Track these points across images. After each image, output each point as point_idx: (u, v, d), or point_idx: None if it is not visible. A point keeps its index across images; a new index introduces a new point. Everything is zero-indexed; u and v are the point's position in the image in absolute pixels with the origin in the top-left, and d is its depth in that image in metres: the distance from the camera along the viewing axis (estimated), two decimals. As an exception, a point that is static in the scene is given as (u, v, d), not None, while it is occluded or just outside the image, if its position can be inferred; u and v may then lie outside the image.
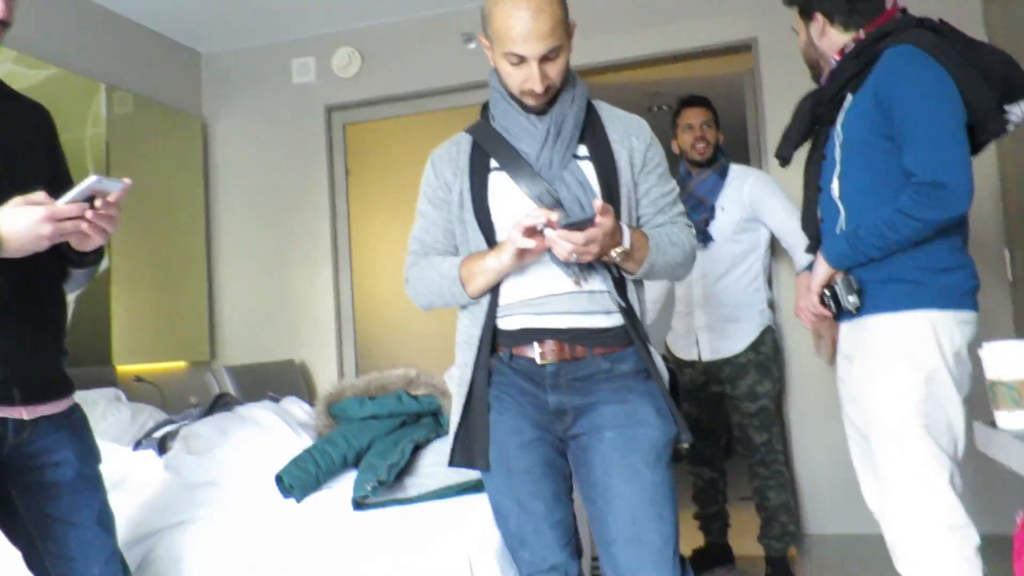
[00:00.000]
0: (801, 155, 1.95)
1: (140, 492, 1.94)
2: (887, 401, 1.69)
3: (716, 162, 3.00)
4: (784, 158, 1.95)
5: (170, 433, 2.14)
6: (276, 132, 4.18)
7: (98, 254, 1.57)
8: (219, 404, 2.35)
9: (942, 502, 1.65)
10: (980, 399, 1.68)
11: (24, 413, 1.44)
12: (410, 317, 4.81)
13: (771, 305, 2.98)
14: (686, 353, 3.06)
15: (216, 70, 4.27)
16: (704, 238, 2.92)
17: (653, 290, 3.07)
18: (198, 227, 4.13)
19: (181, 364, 3.94)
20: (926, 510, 1.66)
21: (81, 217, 1.37)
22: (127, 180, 1.43)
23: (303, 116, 4.15)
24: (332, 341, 4.03)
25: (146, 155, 3.83)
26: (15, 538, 1.52)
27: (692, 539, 3.28)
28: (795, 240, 2.90)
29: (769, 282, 3.01)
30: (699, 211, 2.92)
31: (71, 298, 1.67)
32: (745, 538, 3.32)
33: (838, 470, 3.18)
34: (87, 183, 1.36)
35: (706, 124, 3.01)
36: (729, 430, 3.25)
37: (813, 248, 1.91)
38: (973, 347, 1.68)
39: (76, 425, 1.56)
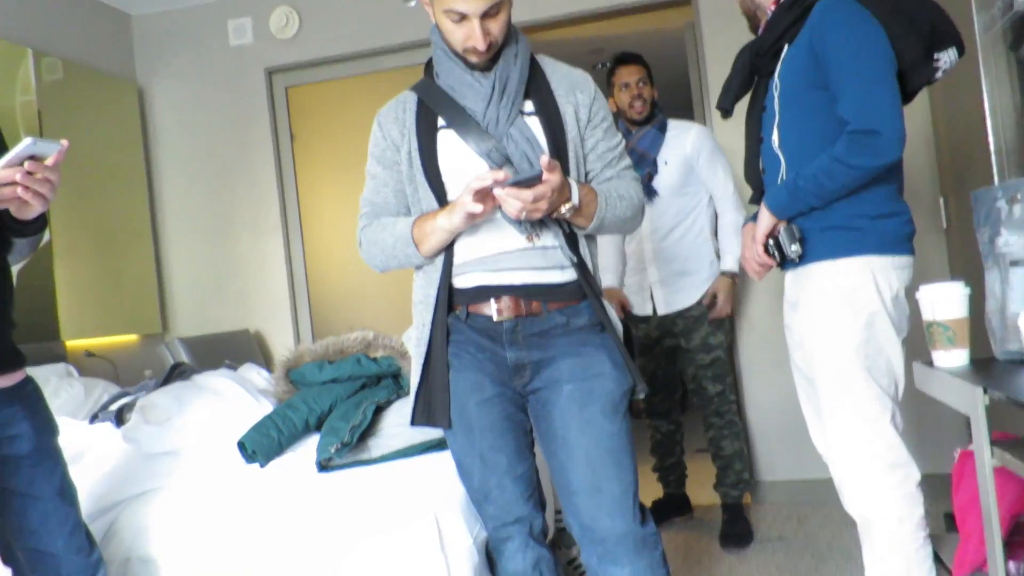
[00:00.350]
0: (742, 107, 1.98)
1: (100, 465, 1.93)
2: (829, 345, 1.75)
3: (654, 118, 3.04)
4: (725, 110, 1.98)
5: (127, 405, 2.12)
6: (216, 96, 4.07)
7: (40, 222, 1.53)
8: (175, 374, 2.33)
9: (884, 441, 1.74)
10: (918, 341, 1.76)
11: (-25, 387, 1.42)
12: (364, 281, 4.79)
13: (719, 256, 3.05)
14: (640, 309, 3.12)
15: (148, 33, 4.13)
16: (649, 193, 2.96)
17: (609, 255, 3.11)
18: (140, 196, 4.03)
19: (133, 338, 3.88)
20: (869, 449, 1.74)
21: (18, 183, 1.34)
22: (64, 141, 1.39)
23: (243, 79, 4.05)
24: (286, 309, 4.00)
25: (80, 123, 3.70)
26: (-24, 515, 1.51)
27: (651, 491, 3.39)
28: (725, 203, 2.98)
29: (715, 233, 3.08)
30: (642, 166, 2.96)
31: (15, 271, 1.63)
32: (702, 488, 3.44)
33: (787, 418, 3.30)
34: (22, 147, 1.33)
35: (641, 82, 3.04)
36: (684, 384, 3.35)
37: (757, 199, 1.96)
38: (910, 291, 1.76)
39: (30, 398, 1.54)
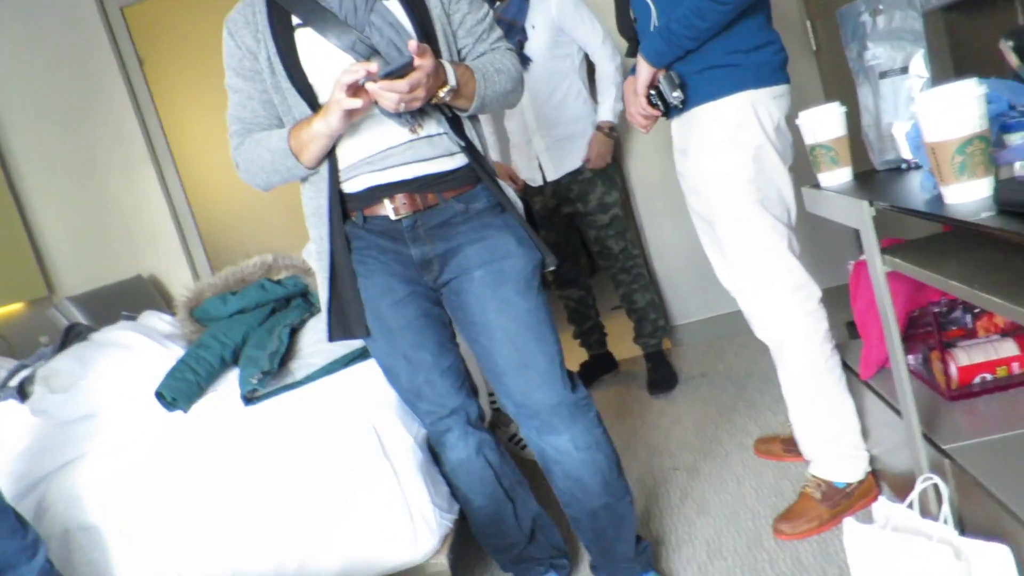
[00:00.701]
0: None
1: (13, 444, 1.84)
2: (722, 185, 1.79)
3: None
4: None
5: (27, 378, 2.00)
6: (47, 29, 3.69)
7: None
8: (72, 336, 2.21)
9: (783, 266, 1.82)
10: (803, 166, 1.82)
11: None
12: (253, 203, 4.62)
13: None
14: (532, 180, 3.11)
15: (-48, -27, 3.67)
16: (524, 61, 2.90)
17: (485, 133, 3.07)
18: (-14, 152, 3.70)
19: (17, 306, 3.64)
20: (771, 276, 1.82)
21: None
22: None
23: (71, 7, 3.68)
24: (177, 245, 3.82)
25: None
26: None
27: (577, 356, 3.50)
28: (600, 55, 2.95)
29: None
30: (512, 34, 2.88)
31: None
32: (623, 342, 3.58)
33: (692, 261, 3.42)
34: None
35: None
36: (586, 247, 3.40)
37: (633, 51, 1.93)
38: (790, 119, 1.80)
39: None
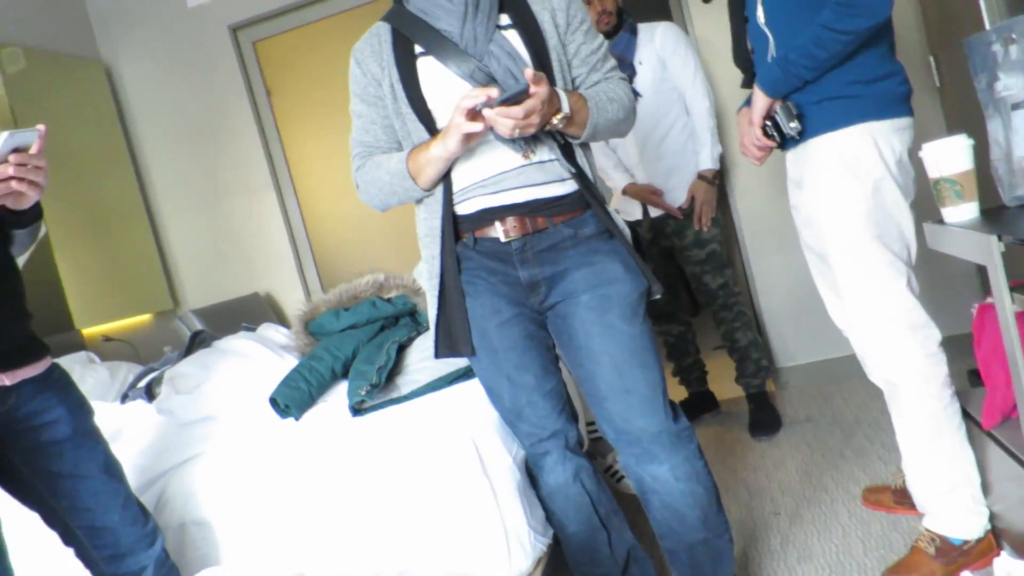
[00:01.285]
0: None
1: (139, 440, 1.97)
2: (838, 218, 1.75)
3: (623, 24, 2.99)
4: None
5: (155, 379, 2.14)
6: (183, 62, 3.98)
7: (35, 211, 1.54)
8: (196, 343, 2.35)
9: (902, 304, 1.75)
10: (925, 203, 1.76)
11: (5, 379, 1.45)
12: (364, 226, 4.80)
13: None
14: (630, 215, 3.11)
15: (104, 8, 4.01)
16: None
17: (607, 161, 3.10)
18: (127, 174, 3.99)
19: (146, 317, 3.89)
20: (888, 314, 1.75)
21: (9, 177, 1.34)
22: (40, 127, 1.40)
23: (207, 41, 3.95)
24: (292, 266, 4.00)
25: (53, 109, 3.63)
26: (30, 503, 1.55)
27: (676, 393, 3.42)
28: (692, 92, 2.94)
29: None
30: (621, 70, 2.92)
31: (21, 264, 1.64)
32: (724, 383, 3.49)
33: (800, 302, 3.32)
34: (2, 142, 1.33)
35: None
36: (686, 283, 3.36)
37: (748, 82, 1.92)
38: (913, 152, 1.74)
39: (60, 383, 1.57)
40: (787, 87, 1.72)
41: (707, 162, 2.95)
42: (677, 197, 3.01)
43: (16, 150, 1.35)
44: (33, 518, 1.59)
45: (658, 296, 1.72)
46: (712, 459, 2.85)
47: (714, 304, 3.08)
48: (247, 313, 3.57)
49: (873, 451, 2.60)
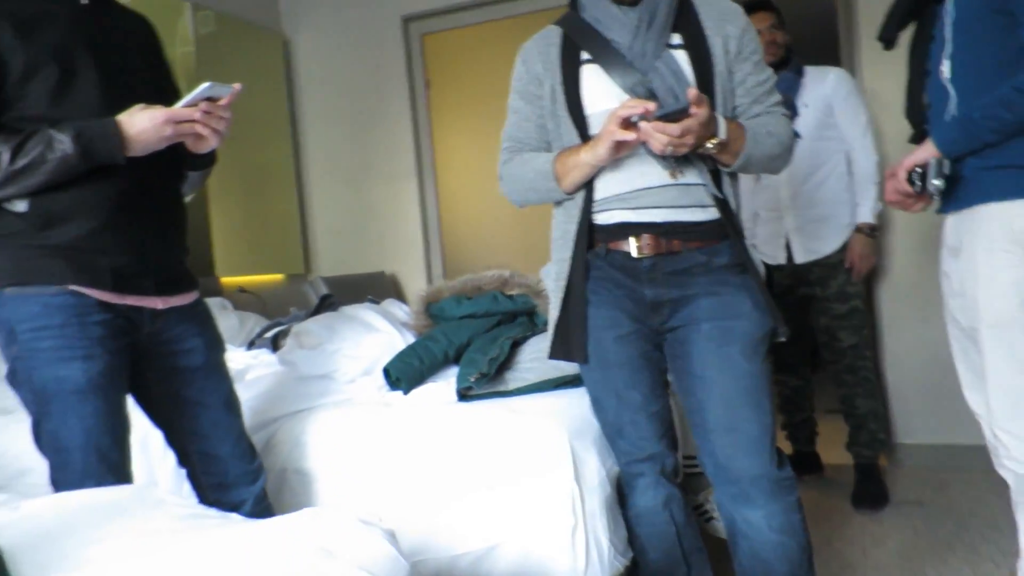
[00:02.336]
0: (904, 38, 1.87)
1: (259, 384, 2.09)
2: (994, 293, 1.64)
3: (788, 63, 2.92)
4: (888, 40, 1.86)
5: (281, 332, 2.27)
6: (355, 45, 4.19)
7: (211, 157, 1.67)
8: (324, 305, 2.47)
9: (1051, 395, 1.62)
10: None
11: (158, 303, 1.56)
12: (494, 225, 4.89)
13: None
14: (772, 258, 3.02)
15: (293, -15, 4.29)
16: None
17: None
18: (286, 143, 4.23)
19: (279, 277, 4.11)
20: (1031, 403, 1.63)
21: (197, 120, 1.46)
22: (237, 85, 1.52)
23: (380, 28, 4.15)
24: (420, 252, 4.13)
25: (232, 73, 3.90)
26: (157, 421, 1.67)
27: (780, 447, 3.31)
28: (858, 145, 2.84)
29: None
30: None
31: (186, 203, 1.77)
32: (833, 447, 3.33)
33: (932, 377, 3.14)
34: (201, 89, 1.45)
35: (773, 27, 2.92)
36: (814, 338, 3.22)
37: (917, 138, 1.85)
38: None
39: (202, 316, 1.68)
40: (965, 147, 1.63)
41: (868, 215, 2.86)
42: (823, 246, 2.92)
43: (209, 99, 1.47)
44: (158, 436, 1.72)
45: (783, 339, 1.67)
46: (808, 522, 2.73)
47: (839, 364, 2.95)
48: (372, 289, 3.71)
49: (985, 550, 2.43)
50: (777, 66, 2.90)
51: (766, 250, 3.05)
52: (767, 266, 3.05)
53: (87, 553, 1.01)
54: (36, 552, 0.99)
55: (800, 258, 2.96)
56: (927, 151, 1.67)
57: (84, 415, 1.44)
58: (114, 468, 1.48)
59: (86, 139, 1.39)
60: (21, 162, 1.36)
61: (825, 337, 2.97)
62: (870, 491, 2.92)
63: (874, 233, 2.88)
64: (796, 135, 2.86)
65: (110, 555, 0.99)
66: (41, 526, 1.06)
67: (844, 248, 2.90)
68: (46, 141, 1.37)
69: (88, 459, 1.44)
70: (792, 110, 2.88)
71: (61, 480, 1.45)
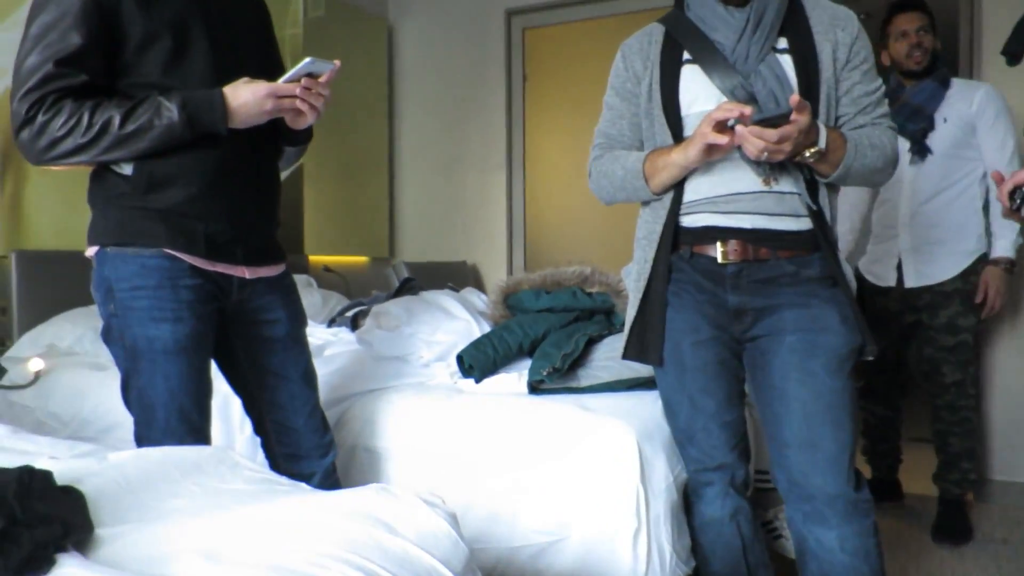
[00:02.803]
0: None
1: (336, 361, 2.13)
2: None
3: (934, 71, 2.71)
4: (1013, 55, 1.76)
5: (361, 312, 2.32)
6: (457, 36, 4.24)
7: (308, 133, 1.71)
8: (405, 287, 2.51)
9: None
10: None
11: (246, 272, 1.61)
12: (579, 221, 4.86)
13: (987, 232, 2.70)
14: (882, 279, 2.84)
15: (401, -27, 4.36)
16: (920, 150, 2.67)
17: (846, 219, 2.89)
18: (382, 129, 4.32)
19: (363, 259, 4.20)
20: None
21: (297, 95, 1.50)
22: (337, 62, 1.54)
23: (483, 20, 4.18)
24: (503, 244, 4.15)
25: (336, 56, 3.94)
26: (238, 389, 1.73)
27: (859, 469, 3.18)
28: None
29: (986, 208, 2.72)
30: (915, 121, 2.66)
31: (282, 177, 1.82)
32: (918, 477, 3.17)
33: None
34: (303, 64, 1.49)
35: (922, 30, 2.69)
36: (908, 368, 3.06)
37: None
38: None
39: (288, 289, 1.73)
40: None
41: (1009, 249, 2.64)
42: (937, 271, 2.72)
43: (310, 75, 1.51)
44: (237, 403, 1.78)
45: (871, 357, 1.61)
46: (885, 550, 2.62)
47: (939, 399, 2.75)
48: (452, 277, 3.75)
49: (1076, 600, 2.28)
50: (921, 74, 2.71)
51: (875, 270, 2.88)
52: (870, 290, 2.90)
53: (164, 506, 1.05)
54: (117, 501, 1.04)
55: (911, 282, 2.76)
56: None
57: (169, 375, 1.50)
58: (194, 429, 1.54)
59: (192, 108, 1.44)
60: (130, 127, 1.42)
61: (927, 367, 2.77)
62: (954, 525, 2.78)
63: (1013, 268, 2.66)
64: (927, 151, 2.69)
65: (185, 509, 1.03)
66: (123, 477, 1.10)
67: (960, 277, 2.70)
68: (155, 108, 1.43)
69: (170, 418, 1.50)
70: (928, 123, 2.68)
71: (144, 436, 1.52)
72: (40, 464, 1.03)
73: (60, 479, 0.99)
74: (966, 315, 2.69)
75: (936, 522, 2.82)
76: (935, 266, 2.72)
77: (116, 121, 1.42)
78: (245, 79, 1.50)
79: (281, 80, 1.51)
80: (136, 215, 1.49)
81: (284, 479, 1.25)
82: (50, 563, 0.82)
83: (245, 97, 1.47)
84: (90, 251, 1.55)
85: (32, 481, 0.93)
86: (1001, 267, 2.65)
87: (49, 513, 0.88)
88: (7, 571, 0.78)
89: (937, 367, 2.73)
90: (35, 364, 2.28)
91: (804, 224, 1.60)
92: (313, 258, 3.82)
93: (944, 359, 2.71)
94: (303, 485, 1.24)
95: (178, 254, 1.50)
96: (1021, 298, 3.07)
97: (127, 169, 1.49)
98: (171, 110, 1.43)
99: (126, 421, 1.66)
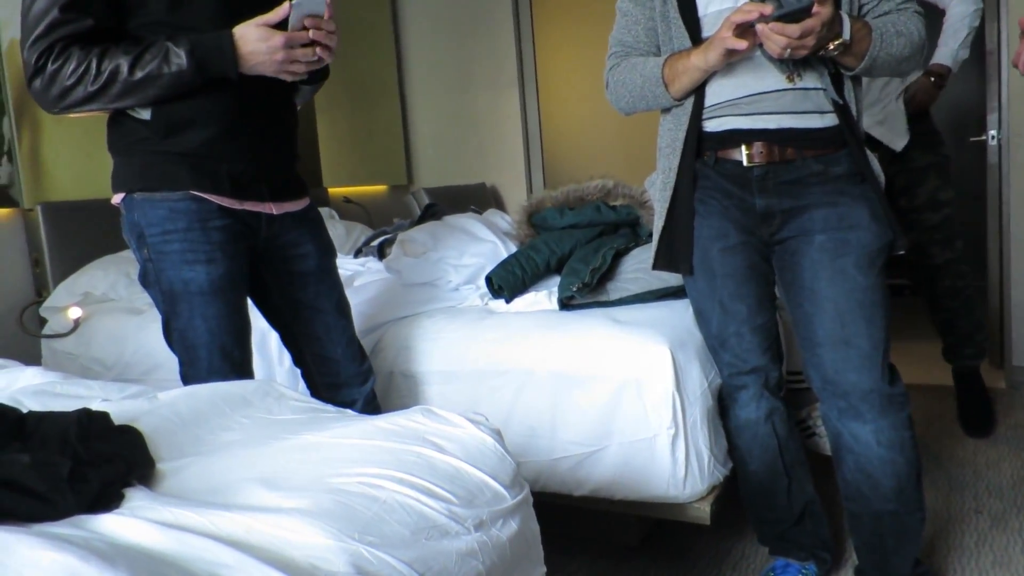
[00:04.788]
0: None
1: (366, 291, 2.16)
2: None
3: None
4: None
5: (387, 240, 2.32)
6: (458, -50, 4.11)
7: (324, 71, 1.69)
8: (428, 214, 2.51)
9: None
10: None
11: (272, 208, 1.62)
12: (596, 134, 4.80)
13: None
14: None
15: None
16: None
17: None
18: (388, 54, 4.23)
19: (382, 188, 4.19)
20: None
21: (316, 40, 1.47)
22: None
23: (486, -69, 4.04)
24: (520, 163, 4.11)
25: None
26: (274, 323, 1.76)
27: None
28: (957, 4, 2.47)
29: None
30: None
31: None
32: (933, 367, 3.11)
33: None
34: (294, 13, 1.43)
35: None
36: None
37: None
38: None
39: (314, 222, 1.73)
40: None
41: (945, 57, 2.48)
42: (900, 132, 2.52)
43: (308, 15, 1.46)
44: (275, 337, 1.81)
45: (902, 252, 1.60)
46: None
47: (935, 287, 2.60)
48: (473, 200, 3.74)
49: (1112, 478, 2.31)
50: None
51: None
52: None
53: (218, 439, 1.09)
54: (172, 436, 1.08)
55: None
56: None
57: (208, 316, 1.52)
58: (237, 365, 1.58)
59: (201, 54, 1.42)
60: (139, 74, 1.41)
61: (913, 256, 2.60)
62: (974, 411, 2.74)
63: (943, 82, 2.48)
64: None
65: (239, 441, 1.07)
66: (175, 415, 1.14)
67: (928, 150, 2.54)
68: (163, 54, 1.41)
69: (213, 356, 1.54)
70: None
71: (190, 375, 1.56)
72: (94, 407, 1.07)
73: (116, 419, 1.02)
74: (944, 188, 2.55)
75: (959, 410, 2.80)
76: (887, 132, 2.50)
77: (124, 68, 1.40)
78: (256, 21, 1.45)
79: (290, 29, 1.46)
80: (159, 159, 1.50)
81: (329, 407, 1.29)
82: (120, 498, 0.85)
83: (255, 45, 1.43)
84: (116, 198, 1.56)
85: (91, 423, 0.97)
86: (931, 80, 2.50)
87: (111, 452, 0.91)
88: (81, 508, 0.82)
89: (925, 250, 2.59)
90: (74, 312, 2.33)
91: (830, 120, 1.57)
92: (332, 190, 3.82)
93: (930, 240, 2.57)
94: (349, 411, 1.27)
95: (205, 195, 1.50)
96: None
97: (145, 114, 1.48)
98: (180, 56, 1.41)
99: (167, 362, 1.70)
